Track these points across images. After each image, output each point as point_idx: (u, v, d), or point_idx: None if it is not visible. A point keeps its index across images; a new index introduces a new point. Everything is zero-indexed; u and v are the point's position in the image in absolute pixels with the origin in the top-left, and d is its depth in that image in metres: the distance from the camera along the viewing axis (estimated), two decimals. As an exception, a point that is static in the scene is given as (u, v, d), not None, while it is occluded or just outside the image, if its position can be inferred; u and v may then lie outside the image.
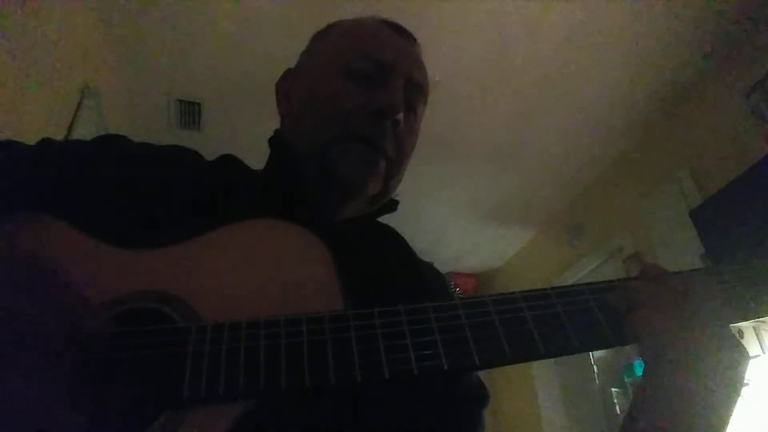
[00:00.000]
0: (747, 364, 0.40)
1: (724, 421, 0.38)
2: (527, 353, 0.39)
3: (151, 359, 0.36)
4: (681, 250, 2.31)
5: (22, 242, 0.42)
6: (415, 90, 0.64)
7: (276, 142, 0.65)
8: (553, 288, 0.44)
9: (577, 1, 2.06)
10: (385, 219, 0.69)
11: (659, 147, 2.69)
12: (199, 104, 2.55)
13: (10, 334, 0.31)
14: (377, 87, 0.60)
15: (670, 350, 0.39)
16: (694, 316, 0.40)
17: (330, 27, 0.71)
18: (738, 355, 0.39)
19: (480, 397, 0.59)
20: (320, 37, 0.71)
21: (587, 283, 0.44)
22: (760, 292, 0.44)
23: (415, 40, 0.69)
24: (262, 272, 0.43)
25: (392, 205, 0.68)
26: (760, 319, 0.45)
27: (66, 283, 0.36)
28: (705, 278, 0.44)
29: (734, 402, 0.39)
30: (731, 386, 0.38)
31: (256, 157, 0.67)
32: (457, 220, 3.61)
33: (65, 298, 0.35)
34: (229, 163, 0.65)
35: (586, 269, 3.16)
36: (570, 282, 3.24)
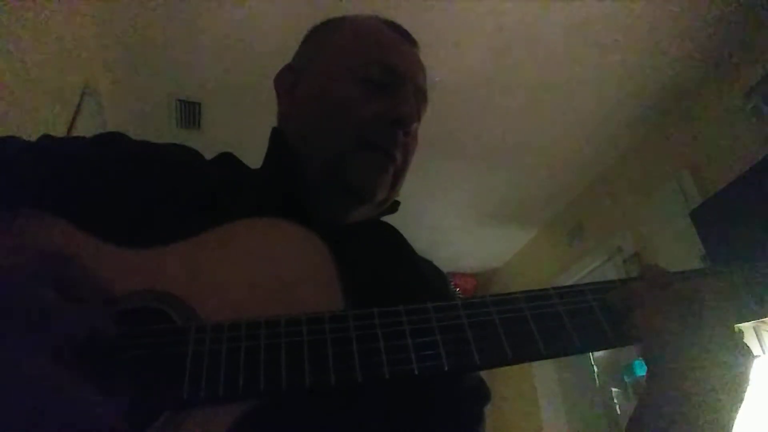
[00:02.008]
0: (751, 365, 0.39)
1: (728, 423, 0.38)
2: (528, 353, 0.39)
3: (151, 359, 0.36)
4: (681, 250, 2.31)
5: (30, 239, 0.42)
6: (421, 96, 0.65)
7: (276, 141, 0.65)
8: (554, 288, 0.43)
9: (577, 2, 2.06)
10: (386, 219, 0.69)
11: (659, 147, 2.69)
12: (199, 104, 2.55)
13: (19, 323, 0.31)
14: (390, 95, 0.60)
15: (672, 351, 0.39)
16: (696, 316, 0.40)
17: (333, 24, 0.70)
18: (742, 356, 0.39)
19: (481, 395, 0.59)
20: (324, 34, 0.70)
21: (588, 284, 0.44)
22: (762, 292, 0.44)
23: (417, 43, 0.69)
24: (263, 271, 0.43)
25: (393, 206, 0.68)
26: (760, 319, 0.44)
27: (85, 277, 0.36)
28: (707, 279, 0.44)
29: (739, 403, 0.38)
30: (735, 387, 0.38)
31: (256, 157, 0.66)
32: (457, 220, 3.61)
33: (82, 290, 0.35)
34: (227, 161, 0.64)
35: (586, 269, 3.16)
36: (570, 282, 3.24)
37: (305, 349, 0.37)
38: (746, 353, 0.39)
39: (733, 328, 0.41)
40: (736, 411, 0.38)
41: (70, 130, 1.90)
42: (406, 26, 0.70)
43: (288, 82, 0.68)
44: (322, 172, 0.59)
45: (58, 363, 0.30)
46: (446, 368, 0.37)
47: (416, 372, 0.37)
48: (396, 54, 0.64)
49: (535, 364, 3.48)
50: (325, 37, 0.69)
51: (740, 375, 0.38)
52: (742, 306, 0.43)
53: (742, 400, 0.39)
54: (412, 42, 0.68)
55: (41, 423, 0.28)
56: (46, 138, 0.57)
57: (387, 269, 0.59)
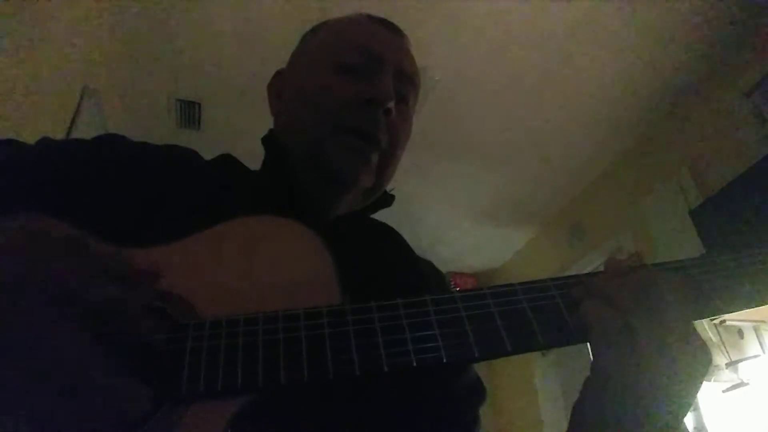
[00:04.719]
0: (708, 364, 0.37)
1: (677, 425, 0.36)
2: (526, 344, 0.39)
3: (149, 355, 0.36)
4: (681, 250, 2.31)
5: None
6: (405, 80, 0.64)
7: (269, 141, 0.65)
8: (552, 279, 0.43)
9: (577, 1, 2.07)
10: (386, 218, 0.69)
11: (659, 146, 2.69)
12: (199, 104, 2.55)
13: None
14: (367, 78, 0.60)
15: (618, 345, 0.37)
16: (654, 311, 0.38)
17: (318, 26, 0.71)
18: (700, 356, 0.37)
19: (477, 395, 0.59)
20: (309, 36, 0.71)
21: (585, 274, 0.44)
22: (726, 288, 0.42)
23: (403, 33, 0.69)
24: (261, 268, 0.43)
25: (387, 200, 0.67)
26: (731, 317, 0.43)
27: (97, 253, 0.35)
28: (668, 273, 0.42)
29: (690, 402, 0.37)
30: (689, 388, 0.36)
31: (256, 157, 0.67)
32: (457, 220, 3.61)
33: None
34: (227, 162, 0.65)
35: (586, 269, 3.16)
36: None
37: (303, 343, 0.37)
38: (704, 352, 0.37)
39: (692, 325, 0.39)
40: (686, 409, 0.37)
41: (69, 130, 1.90)
42: (405, 26, 0.70)
43: (278, 85, 0.69)
44: (305, 162, 0.59)
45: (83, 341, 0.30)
46: (444, 360, 0.37)
47: (414, 364, 0.37)
48: (373, 39, 0.64)
49: (536, 363, 3.48)
50: (308, 39, 0.70)
51: (696, 376, 0.36)
52: (705, 301, 0.41)
53: (693, 398, 0.37)
54: (395, 31, 0.68)
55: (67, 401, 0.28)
56: (44, 140, 0.57)
57: (385, 267, 0.59)
